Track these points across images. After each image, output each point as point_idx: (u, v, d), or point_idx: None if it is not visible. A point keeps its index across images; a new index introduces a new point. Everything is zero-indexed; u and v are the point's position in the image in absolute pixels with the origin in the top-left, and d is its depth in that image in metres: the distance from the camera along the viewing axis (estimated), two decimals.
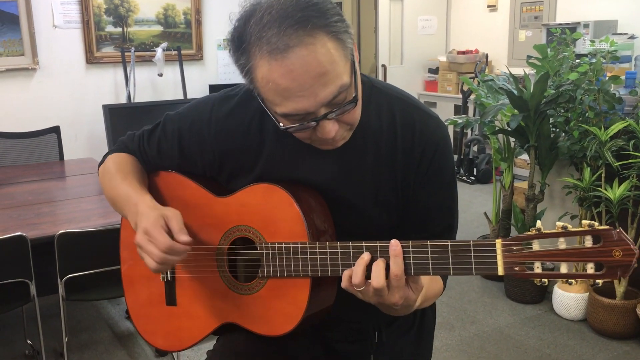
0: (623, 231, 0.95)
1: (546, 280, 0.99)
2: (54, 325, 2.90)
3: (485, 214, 3.78)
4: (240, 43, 1.00)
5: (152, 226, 1.10)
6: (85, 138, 4.87)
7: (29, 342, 2.85)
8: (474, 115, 5.36)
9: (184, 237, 1.11)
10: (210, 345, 1.34)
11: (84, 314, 3.27)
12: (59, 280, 2.36)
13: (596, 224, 0.96)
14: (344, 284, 1.05)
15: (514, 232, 3.64)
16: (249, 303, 1.21)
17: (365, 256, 1.05)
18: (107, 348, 2.91)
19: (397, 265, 1.02)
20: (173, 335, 1.32)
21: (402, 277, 1.02)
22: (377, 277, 1.02)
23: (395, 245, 1.03)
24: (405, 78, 6.77)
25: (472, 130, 5.91)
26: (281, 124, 1.04)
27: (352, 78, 1.02)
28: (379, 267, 1.03)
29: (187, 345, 1.30)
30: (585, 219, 3.06)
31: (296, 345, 1.26)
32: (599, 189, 2.85)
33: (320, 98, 0.98)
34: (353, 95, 1.03)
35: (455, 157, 6.12)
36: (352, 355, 1.33)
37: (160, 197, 1.30)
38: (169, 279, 1.31)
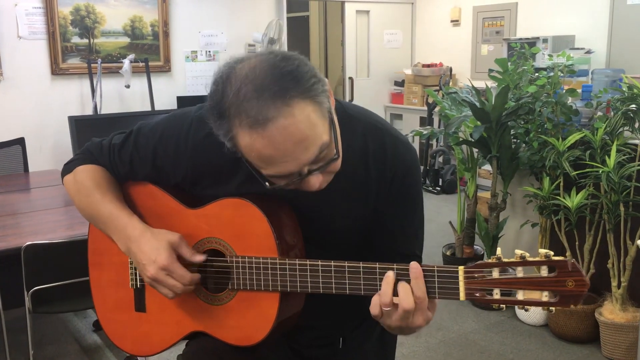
0: (577, 263, 1.00)
1: (504, 305, 1.04)
2: (20, 339, 2.85)
3: (450, 223, 3.86)
4: (220, 115, 1.01)
5: (169, 262, 1.17)
6: (50, 150, 4.82)
7: None
8: (439, 127, 5.47)
9: (199, 257, 1.19)
10: (180, 349, 1.36)
11: (51, 327, 3.22)
12: (25, 292, 2.34)
13: (552, 253, 1.01)
14: (373, 311, 1.07)
15: (478, 241, 3.73)
16: (219, 313, 1.23)
17: (391, 274, 1.06)
18: None
19: (419, 288, 1.05)
20: (142, 340, 1.33)
21: (426, 299, 1.05)
22: (407, 298, 1.04)
23: (415, 267, 1.05)
24: (372, 90, 6.87)
25: (437, 141, 6.03)
26: (267, 184, 1.07)
27: (332, 134, 1.04)
28: (405, 288, 1.05)
29: (157, 350, 1.32)
30: (545, 226, 3.16)
31: (265, 349, 1.29)
32: (558, 197, 2.95)
33: (303, 160, 1.01)
34: (334, 152, 1.05)
35: (422, 168, 6.22)
36: (319, 359, 1.37)
37: (132, 207, 1.31)
38: (138, 286, 1.32)
